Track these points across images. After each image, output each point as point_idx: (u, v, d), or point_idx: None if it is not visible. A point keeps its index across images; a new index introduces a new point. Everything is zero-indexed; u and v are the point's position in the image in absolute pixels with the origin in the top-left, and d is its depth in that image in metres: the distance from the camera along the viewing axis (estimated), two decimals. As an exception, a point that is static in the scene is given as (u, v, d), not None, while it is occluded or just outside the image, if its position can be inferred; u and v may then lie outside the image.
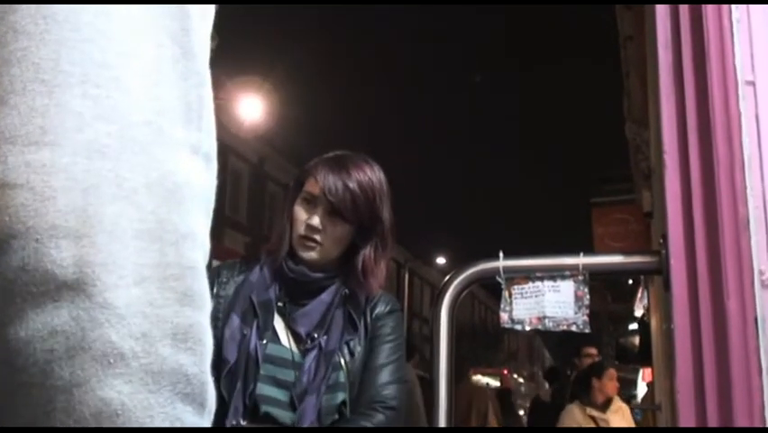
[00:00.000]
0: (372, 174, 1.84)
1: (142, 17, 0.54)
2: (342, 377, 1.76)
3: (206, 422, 0.52)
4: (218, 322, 1.70)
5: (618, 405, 5.18)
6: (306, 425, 1.69)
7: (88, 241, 0.48)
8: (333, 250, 1.82)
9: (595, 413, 5.09)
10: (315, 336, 1.77)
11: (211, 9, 0.61)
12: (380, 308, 1.87)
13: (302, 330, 1.77)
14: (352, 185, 1.79)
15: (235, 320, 1.73)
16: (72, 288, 0.47)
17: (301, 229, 1.80)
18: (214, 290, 1.79)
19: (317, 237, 1.80)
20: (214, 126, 0.59)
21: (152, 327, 0.49)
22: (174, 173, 0.52)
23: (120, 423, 0.46)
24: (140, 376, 0.48)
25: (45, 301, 0.47)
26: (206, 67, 0.58)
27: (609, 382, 5.15)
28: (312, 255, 1.81)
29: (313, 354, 1.75)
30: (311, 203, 1.82)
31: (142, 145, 0.51)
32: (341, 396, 1.75)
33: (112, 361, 0.47)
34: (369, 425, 1.73)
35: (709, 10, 1.35)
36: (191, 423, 0.50)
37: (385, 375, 1.81)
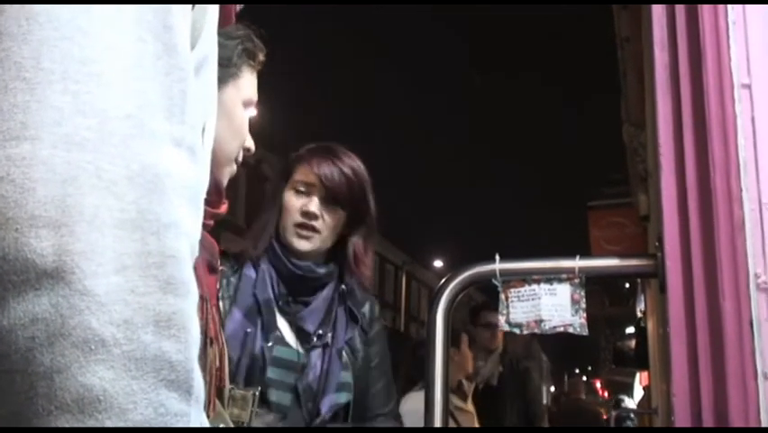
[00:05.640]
0: (359, 162, 1.83)
1: (123, 14, 0.54)
2: (349, 377, 1.74)
3: (194, 409, 0.52)
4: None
5: None
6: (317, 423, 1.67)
7: (67, 230, 0.48)
8: (328, 239, 1.79)
9: (455, 400, 3.18)
10: (321, 333, 1.73)
11: (188, 8, 0.61)
12: (369, 312, 1.87)
13: (310, 328, 1.72)
14: (346, 170, 1.77)
15: (237, 315, 1.66)
16: (52, 276, 0.48)
17: (297, 217, 1.75)
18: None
19: (316, 224, 1.75)
20: (201, 120, 0.60)
21: (134, 314, 0.49)
22: (155, 165, 0.53)
23: (102, 409, 0.47)
24: (122, 363, 0.48)
25: (26, 290, 0.47)
26: (189, 62, 0.58)
27: (469, 352, 3.32)
28: (307, 246, 1.75)
29: (318, 351, 1.71)
30: (304, 192, 1.77)
31: (122, 138, 0.52)
32: (345, 396, 1.72)
33: (93, 347, 0.47)
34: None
35: (705, 11, 1.35)
36: (177, 410, 0.50)
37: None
